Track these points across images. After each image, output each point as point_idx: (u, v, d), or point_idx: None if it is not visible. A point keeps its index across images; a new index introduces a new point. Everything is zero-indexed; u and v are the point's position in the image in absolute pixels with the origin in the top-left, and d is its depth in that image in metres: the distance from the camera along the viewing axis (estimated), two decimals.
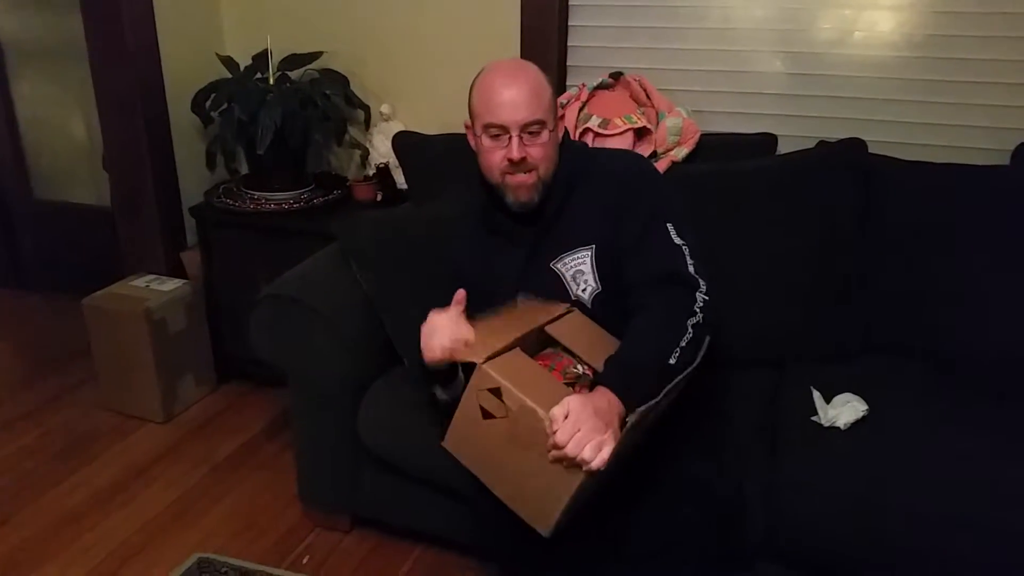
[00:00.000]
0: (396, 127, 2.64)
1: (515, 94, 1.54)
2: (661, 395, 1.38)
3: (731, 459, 1.62)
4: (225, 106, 2.51)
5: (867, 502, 1.56)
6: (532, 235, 1.66)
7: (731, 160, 2.17)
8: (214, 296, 2.73)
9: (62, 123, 3.31)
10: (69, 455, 2.48)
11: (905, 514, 1.54)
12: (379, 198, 2.64)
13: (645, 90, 2.28)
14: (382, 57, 2.69)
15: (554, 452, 1.27)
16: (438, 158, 2.39)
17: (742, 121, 2.38)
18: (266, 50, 2.59)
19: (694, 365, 1.44)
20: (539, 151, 1.58)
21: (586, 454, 1.24)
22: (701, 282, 1.50)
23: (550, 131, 1.58)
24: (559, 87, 2.47)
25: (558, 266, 1.64)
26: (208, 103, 2.59)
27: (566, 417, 1.26)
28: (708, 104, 2.39)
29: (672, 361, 1.39)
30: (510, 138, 1.55)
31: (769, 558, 1.67)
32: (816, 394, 1.78)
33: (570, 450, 1.24)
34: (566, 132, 1.72)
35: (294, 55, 2.62)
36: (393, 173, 2.63)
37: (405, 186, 2.51)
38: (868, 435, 1.69)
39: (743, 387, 1.90)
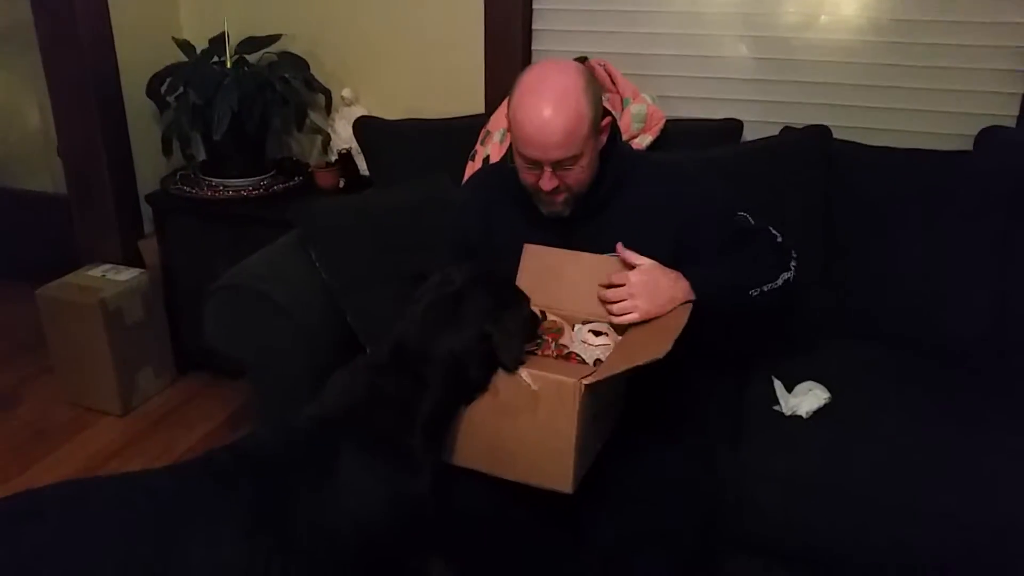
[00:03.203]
0: (358, 112, 2.59)
1: (547, 135, 1.45)
2: (723, 316, 1.47)
3: (699, 451, 1.60)
4: (181, 90, 2.45)
5: (827, 490, 1.56)
6: (564, 229, 1.61)
7: (696, 148, 2.14)
8: (172, 286, 2.67)
9: (15, 109, 3.23)
10: (26, 449, 2.41)
11: (864, 501, 1.54)
12: (342, 184, 2.59)
13: (610, 75, 2.25)
14: (343, 40, 2.64)
15: (602, 291, 1.48)
16: (402, 144, 2.36)
17: (708, 106, 2.36)
18: (223, 33, 2.53)
19: (763, 313, 1.55)
20: (573, 178, 1.53)
21: (617, 307, 1.45)
22: (792, 252, 1.61)
23: (588, 156, 1.52)
24: (521, 64, 2.43)
25: None
26: (164, 88, 2.52)
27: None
28: (674, 89, 2.37)
29: (754, 293, 1.52)
30: (543, 169, 1.50)
31: (739, 549, 1.67)
32: (777, 383, 1.77)
33: (610, 293, 1.46)
34: (614, 133, 1.63)
35: (252, 38, 2.56)
36: (356, 159, 2.59)
37: (368, 172, 2.47)
38: (829, 423, 1.68)
39: (707, 378, 1.88)
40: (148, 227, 2.73)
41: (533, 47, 2.50)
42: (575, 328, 1.54)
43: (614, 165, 1.61)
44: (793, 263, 1.59)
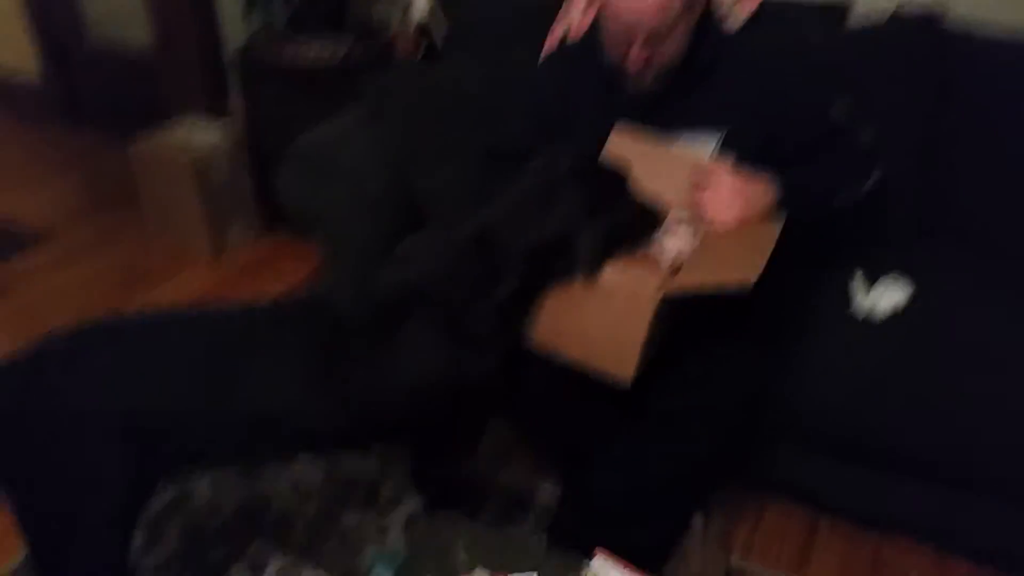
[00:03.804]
0: None
1: (640, 5, 1.43)
2: (803, 219, 1.48)
3: (761, 340, 1.60)
4: None
5: (890, 389, 1.59)
6: (649, 109, 1.59)
7: (793, 30, 2.03)
8: (256, 144, 2.77)
9: None
10: (125, 288, 2.64)
11: (926, 402, 1.56)
12: (420, 54, 2.59)
13: None
14: None
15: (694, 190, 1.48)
16: (482, 11, 2.31)
17: None
18: None
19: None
20: (664, 52, 1.51)
21: (711, 209, 1.45)
22: (879, 158, 1.61)
23: (681, 30, 1.49)
24: None
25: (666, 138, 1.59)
26: None
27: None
28: None
29: (834, 201, 1.55)
30: (632, 42, 1.48)
31: (791, 440, 1.72)
32: (859, 275, 1.75)
33: (702, 204, 1.46)
34: (709, 9, 1.59)
35: None
36: (434, 29, 2.57)
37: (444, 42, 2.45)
38: (906, 322, 1.67)
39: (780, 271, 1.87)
40: (233, 86, 2.82)
41: None
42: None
43: (706, 44, 1.57)
44: (877, 171, 1.58)
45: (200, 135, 2.70)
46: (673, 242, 1.47)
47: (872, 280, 1.75)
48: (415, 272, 1.40)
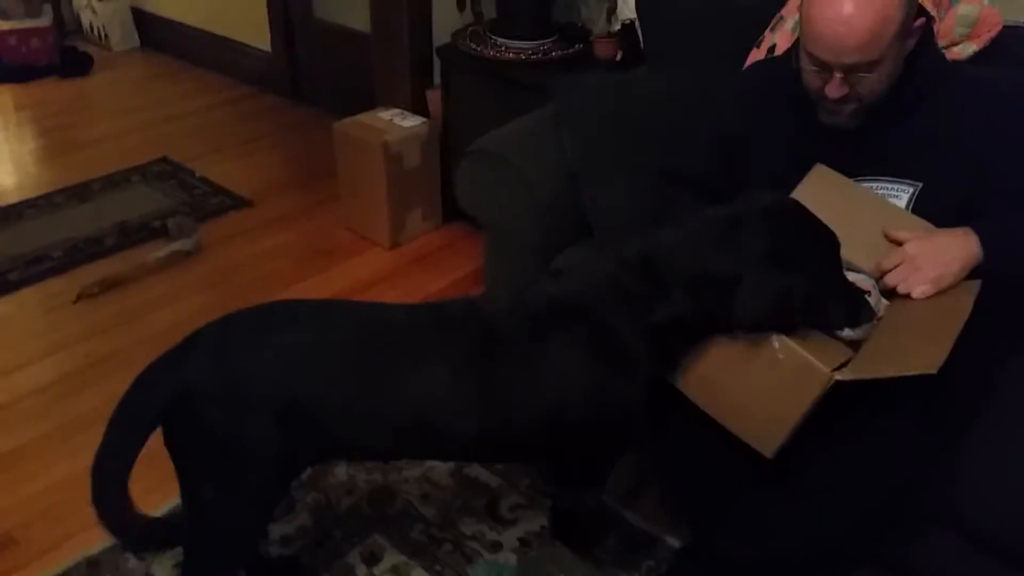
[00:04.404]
0: None
1: (844, 32, 1.28)
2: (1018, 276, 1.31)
3: (929, 418, 1.39)
4: None
5: None
6: (844, 142, 1.45)
7: None
8: (449, 137, 2.81)
9: None
10: (309, 262, 2.77)
11: None
12: (619, 57, 2.50)
13: None
14: None
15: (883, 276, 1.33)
16: (685, 19, 2.20)
17: None
18: None
19: None
20: (867, 87, 1.35)
21: (901, 283, 1.30)
22: None
23: (888, 63, 1.33)
24: None
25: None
26: None
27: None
28: None
29: None
30: (832, 74, 1.34)
31: (946, 525, 1.49)
32: None
33: (893, 277, 1.31)
34: (927, 35, 1.42)
35: None
36: (640, 32, 2.47)
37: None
38: None
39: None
40: (438, 79, 2.87)
41: None
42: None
43: (919, 76, 1.40)
44: None
45: (399, 122, 2.78)
46: None
47: None
48: (572, 286, 1.35)
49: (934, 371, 1.12)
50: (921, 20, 1.38)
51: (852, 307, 1.25)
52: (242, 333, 1.24)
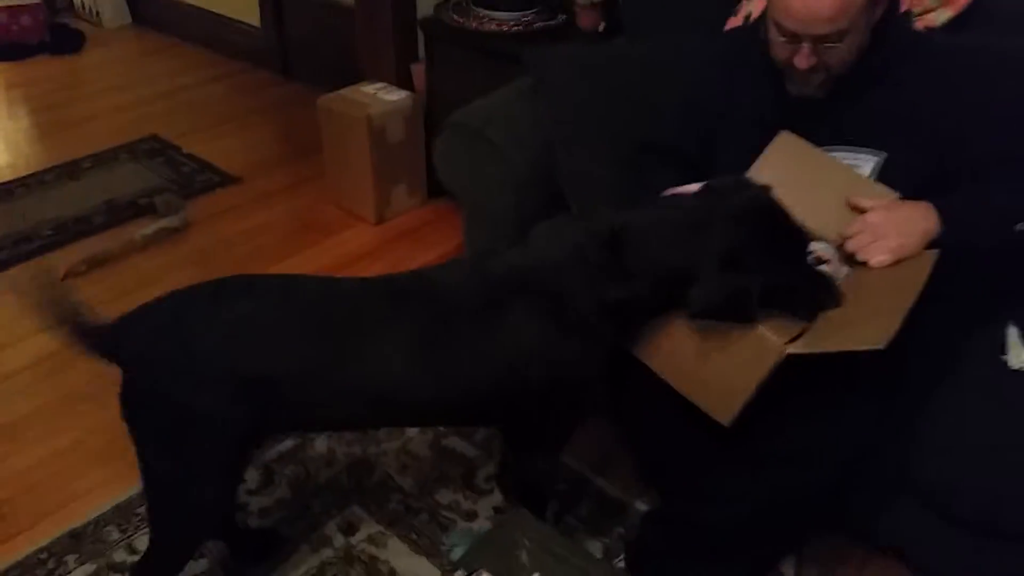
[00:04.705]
0: None
1: (814, 4, 1.29)
2: (977, 251, 1.33)
3: (885, 384, 1.41)
4: None
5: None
6: (814, 112, 1.46)
7: (1008, 35, 1.75)
8: (434, 111, 2.80)
9: None
10: (296, 237, 2.78)
11: None
12: (602, 28, 2.49)
13: None
14: None
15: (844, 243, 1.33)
16: None
17: None
18: None
19: None
20: (835, 57, 1.36)
21: (862, 250, 1.31)
22: None
23: (856, 33, 1.34)
24: None
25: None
26: None
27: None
28: None
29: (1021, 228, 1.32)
30: (800, 44, 1.35)
31: (909, 493, 1.51)
32: (1013, 330, 1.49)
33: (853, 244, 1.32)
34: (893, 5, 1.42)
35: None
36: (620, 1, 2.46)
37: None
38: None
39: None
40: (422, 53, 2.86)
41: None
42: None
43: (886, 46, 1.40)
44: None
45: (383, 96, 2.77)
46: None
47: None
48: (533, 256, 1.36)
49: (882, 346, 1.13)
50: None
51: (814, 298, 1.27)
52: (197, 305, 1.26)
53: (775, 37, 1.39)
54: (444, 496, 1.80)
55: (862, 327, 1.19)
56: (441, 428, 1.93)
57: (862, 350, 1.14)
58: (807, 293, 1.26)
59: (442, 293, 1.32)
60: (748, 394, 1.24)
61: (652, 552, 1.53)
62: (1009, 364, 1.46)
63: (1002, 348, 1.49)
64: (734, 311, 1.23)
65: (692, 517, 1.45)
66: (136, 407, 1.25)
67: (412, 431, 1.94)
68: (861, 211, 1.37)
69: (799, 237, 1.28)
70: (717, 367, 1.26)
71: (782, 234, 1.26)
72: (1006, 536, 1.42)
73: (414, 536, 1.70)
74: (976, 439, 1.41)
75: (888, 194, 1.39)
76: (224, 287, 1.29)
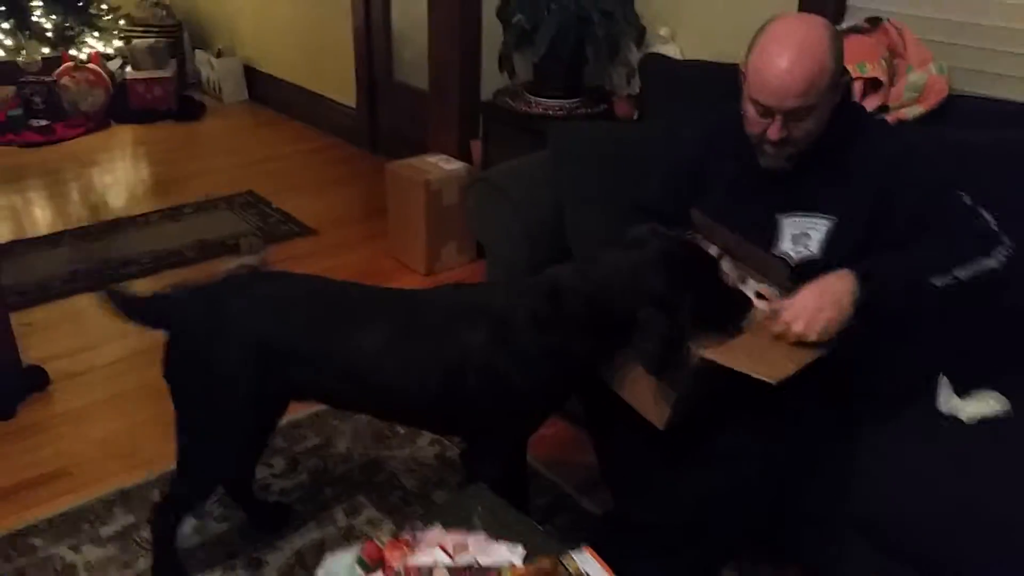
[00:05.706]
0: (672, 50, 2.75)
1: (787, 80, 1.49)
2: (900, 306, 1.47)
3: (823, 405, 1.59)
4: (517, 16, 2.85)
5: (967, 505, 1.47)
6: (777, 184, 1.67)
7: (980, 128, 1.96)
8: None
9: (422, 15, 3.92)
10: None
11: (1003, 527, 1.42)
12: (636, 116, 2.81)
13: (904, 40, 2.13)
14: None
15: (777, 329, 1.44)
16: (682, 85, 2.48)
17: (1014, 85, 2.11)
18: None
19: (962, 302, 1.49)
20: (802, 131, 1.56)
21: (798, 327, 1.42)
22: (1005, 237, 1.51)
23: (821, 110, 1.54)
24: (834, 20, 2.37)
25: (784, 219, 1.65)
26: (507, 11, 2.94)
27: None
28: (977, 63, 2.15)
29: (939, 282, 1.45)
30: (774, 117, 1.55)
31: (851, 526, 1.65)
32: (944, 381, 1.65)
33: (790, 325, 1.42)
34: (846, 89, 1.66)
35: None
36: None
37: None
38: (994, 435, 1.55)
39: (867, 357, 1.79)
40: (482, 131, 3.24)
41: (848, 2, 2.43)
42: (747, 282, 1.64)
43: (841, 124, 1.62)
44: (1003, 252, 1.50)
45: (443, 165, 3.15)
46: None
47: (962, 391, 1.63)
48: (495, 293, 1.66)
49: (773, 383, 1.33)
50: (845, 78, 1.62)
51: (729, 312, 1.52)
52: (233, 287, 1.59)
53: (750, 112, 1.61)
54: (439, 497, 2.03)
55: (768, 364, 1.38)
56: (447, 441, 2.18)
57: (758, 380, 1.34)
58: (724, 310, 1.49)
59: (415, 304, 1.62)
60: (673, 399, 1.45)
61: (605, 552, 1.69)
62: (939, 409, 1.63)
63: (934, 394, 1.65)
64: (674, 352, 1.43)
65: (643, 520, 1.61)
66: (174, 365, 1.56)
67: (423, 440, 2.20)
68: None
69: (710, 262, 1.52)
70: (648, 375, 1.48)
71: (696, 265, 1.50)
72: (941, 567, 1.52)
73: (407, 524, 1.92)
74: (911, 476, 1.54)
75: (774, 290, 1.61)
76: (257, 276, 1.61)
